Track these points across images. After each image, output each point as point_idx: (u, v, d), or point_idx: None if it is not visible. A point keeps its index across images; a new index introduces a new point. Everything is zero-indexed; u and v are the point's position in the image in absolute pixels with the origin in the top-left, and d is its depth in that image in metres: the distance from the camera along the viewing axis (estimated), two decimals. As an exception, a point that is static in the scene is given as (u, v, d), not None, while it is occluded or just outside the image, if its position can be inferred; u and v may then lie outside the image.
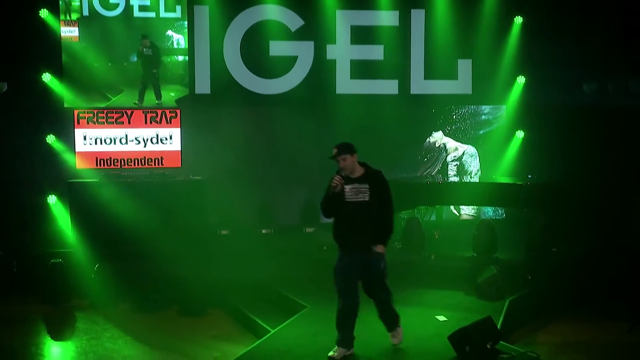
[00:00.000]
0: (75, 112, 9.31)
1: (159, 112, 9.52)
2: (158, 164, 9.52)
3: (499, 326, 5.71)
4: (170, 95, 10.29)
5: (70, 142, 9.42)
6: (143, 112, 9.45)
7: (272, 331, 5.94)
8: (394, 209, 5.28)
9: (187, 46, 10.17)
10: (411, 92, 10.82)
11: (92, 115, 9.30)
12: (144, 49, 9.97)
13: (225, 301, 7.71)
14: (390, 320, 5.45)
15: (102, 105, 9.88)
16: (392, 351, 5.30)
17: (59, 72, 9.71)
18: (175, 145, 9.58)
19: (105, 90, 10.03)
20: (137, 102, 10.03)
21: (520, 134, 10.75)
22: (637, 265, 7.86)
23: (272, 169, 10.89)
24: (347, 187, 5.13)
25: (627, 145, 9.85)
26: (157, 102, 10.06)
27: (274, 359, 5.06)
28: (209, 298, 7.77)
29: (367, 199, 5.13)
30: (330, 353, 5.15)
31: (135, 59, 10.08)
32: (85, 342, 6.63)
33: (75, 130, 9.25)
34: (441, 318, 6.15)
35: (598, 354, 6.11)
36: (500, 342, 5.28)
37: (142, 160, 9.45)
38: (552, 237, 8.47)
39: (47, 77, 9.60)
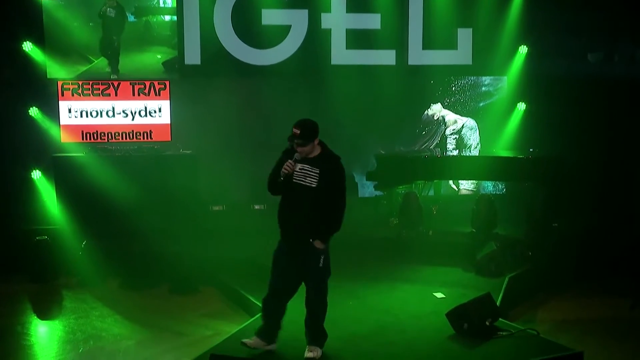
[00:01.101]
0: (59, 83, 9.15)
1: (147, 83, 9.38)
2: (147, 138, 9.42)
3: (498, 303, 5.72)
4: (156, 57, 10.05)
5: (54, 114, 9.27)
6: (130, 84, 9.31)
7: (266, 309, 5.91)
8: (345, 203, 4.90)
9: (174, 5, 9.92)
10: (409, 63, 10.69)
11: (77, 86, 9.15)
12: (108, 9, 9.38)
13: (218, 278, 7.71)
14: (315, 337, 4.85)
15: (84, 68, 9.65)
16: (387, 329, 5.29)
17: (41, 42, 9.52)
18: (164, 118, 9.49)
19: (86, 52, 9.75)
20: (112, 73, 9.61)
21: (521, 106, 10.66)
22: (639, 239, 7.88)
23: (265, 143, 10.80)
24: (297, 166, 4.72)
25: (632, 117, 9.78)
26: (112, 76, 9.59)
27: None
28: (200, 275, 7.76)
29: (313, 185, 4.69)
30: (245, 339, 4.83)
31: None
32: (73, 321, 6.62)
33: (60, 102, 9.11)
34: (439, 295, 6.16)
35: (599, 331, 6.13)
36: (500, 319, 5.29)
37: (130, 134, 9.35)
38: (554, 213, 8.47)
39: (28, 47, 9.40)
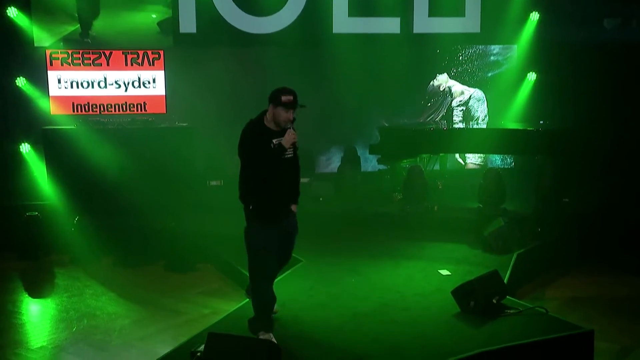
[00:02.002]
0: (47, 52, 9.02)
1: (141, 53, 9.26)
2: (141, 110, 9.34)
3: (505, 281, 5.69)
4: (151, 17, 9.91)
5: (43, 85, 9.16)
6: (123, 53, 9.18)
7: (265, 287, 5.91)
8: None
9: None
10: (414, 31, 10.57)
11: (66, 55, 9.02)
12: None
13: (216, 255, 7.70)
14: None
15: (72, 28, 9.51)
16: (391, 306, 5.28)
17: (27, 7, 9.36)
18: (159, 89, 9.39)
19: (73, 10, 9.62)
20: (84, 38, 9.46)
21: (532, 76, 10.55)
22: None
23: (264, 115, 10.73)
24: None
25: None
26: (83, 40, 9.46)
27: (267, 315, 5.03)
28: (198, 252, 7.75)
29: (291, 154, 4.61)
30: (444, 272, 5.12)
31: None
32: (65, 299, 6.61)
33: (48, 72, 8.99)
34: (444, 272, 6.14)
35: (609, 309, 6.12)
36: (507, 297, 5.26)
37: (124, 106, 9.26)
38: (564, 187, 8.41)
39: (13, 12, 9.24)
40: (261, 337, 4.45)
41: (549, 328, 4.67)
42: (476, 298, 4.99)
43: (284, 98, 4.54)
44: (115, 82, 9.19)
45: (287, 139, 4.51)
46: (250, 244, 4.60)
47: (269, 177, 4.47)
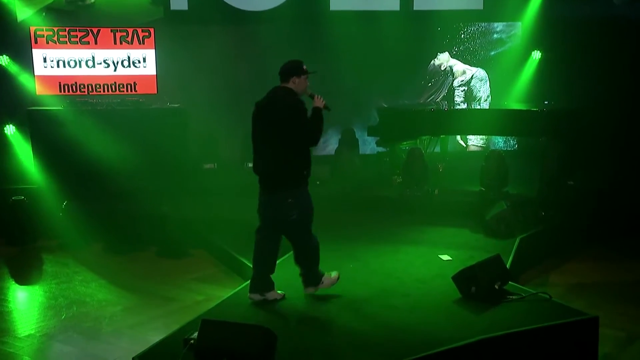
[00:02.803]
0: (32, 29, 8.94)
1: (130, 31, 9.19)
2: (131, 90, 9.29)
3: (508, 266, 5.68)
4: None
5: (28, 64, 9.09)
6: (111, 31, 9.11)
7: (261, 272, 5.91)
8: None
9: None
10: (414, 8, 10.51)
11: (52, 33, 8.94)
12: None
13: (209, 241, 7.69)
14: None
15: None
16: (390, 292, 5.28)
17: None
18: (149, 68, 9.34)
19: None
20: None
21: (536, 55, 10.50)
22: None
23: (259, 96, 10.65)
24: None
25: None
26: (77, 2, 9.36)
27: (262, 301, 5.03)
28: (190, 237, 7.75)
29: None
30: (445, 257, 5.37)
31: None
32: (54, 286, 6.61)
33: (33, 50, 8.91)
34: (445, 257, 6.14)
35: (615, 295, 6.13)
36: (510, 282, 5.26)
37: (113, 86, 9.21)
38: (569, 170, 8.39)
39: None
40: (323, 283, 5.08)
41: (552, 314, 4.66)
42: (478, 284, 4.99)
43: (304, 67, 4.99)
44: (104, 61, 9.12)
45: (321, 103, 5.01)
46: (306, 208, 5.03)
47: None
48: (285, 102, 4.86)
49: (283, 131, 4.82)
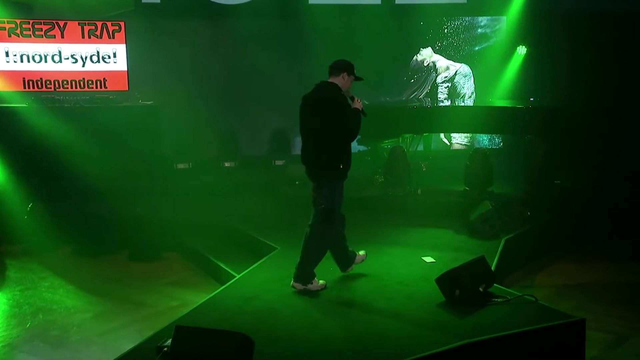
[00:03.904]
0: (-8, 21, 8.83)
1: (99, 24, 9.12)
2: (101, 87, 9.22)
3: (493, 267, 5.71)
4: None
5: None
6: (79, 24, 9.04)
7: (238, 276, 5.91)
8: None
9: None
10: (396, 2, 10.57)
11: (14, 25, 8.82)
12: None
13: (184, 244, 7.67)
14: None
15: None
16: (372, 296, 5.28)
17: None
18: (120, 64, 9.28)
19: None
20: None
21: (522, 50, 10.59)
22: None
23: (236, 92, 10.68)
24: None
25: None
26: None
27: (239, 306, 5.02)
28: (164, 240, 7.72)
29: None
30: (322, 281, 5.40)
31: None
32: (18, 293, 6.51)
33: (-6, 44, 8.81)
34: (428, 259, 6.16)
35: (602, 296, 6.19)
36: (494, 284, 5.29)
37: (81, 82, 9.13)
38: (556, 168, 8.48)
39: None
40: (313, 285, 5.30)
41: (538, 317, 4.70)
42: (462, 286, 5.01)
43: (355, 71, 5.34)
44: (72, 56, 9.04)
45: (360, 105, 5.34)
46: (335, 201, 5.33)
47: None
48: (331, 97, 5.20)
49: (327, 124, 5.15)
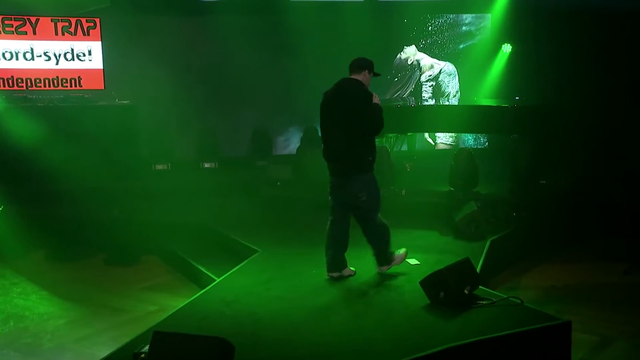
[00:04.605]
0: (-40, 17, 8.74)
1: (73, 21, 9.05)
2: (75, 85, 9.15)
3: (478, 269, 5.75)
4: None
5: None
6: (52, 21, 8.96)
7: (218, 280, 5.90)
8: None
9: None
10: (379, -1, 10.58)
11: (-19, 21, 8.73)
12: None
13: (162, 247, 7.64)
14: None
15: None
16: (355, 299, 5.29)
17: None
18: (95, 62, 9.21)
19: None
20: None
21: (507, 48, 10.66)
22: (638, 197, 8.01)
23: (216, 91, 10.65)
24: None
25: (632, 58, 9.80)
26: None
27: (220, 311, 4.99)
28: (142, 243, 7.69)
29: None
30: (403, 249, 5.84)
31: None
32: (-11, 299, 6.45)
33: (-37, 40, 8.72)
34: (413, 261, 6.17)
35: (589, 298, 6.26)
36: (480, 287, 5.31)
37: (55, 81, 9.06)
38: (541, 168, 8.55)
39: None
40: (398, 258, 5.77)
41: (523, 320, 4.72)
42: (446, 289, 5.02)
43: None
44: (45, 53, 8.96)
45: (378, 101, 5.56)
46: (374, 190, 5.62)
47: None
48: (358, 92, 5.46)
49: (355, 119, 5.38)
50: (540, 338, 4.58)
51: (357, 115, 5.37)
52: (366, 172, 5.58)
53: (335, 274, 5.68)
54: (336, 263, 5.70)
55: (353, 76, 5.51)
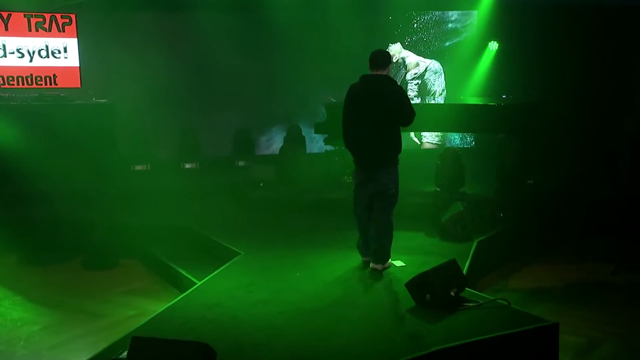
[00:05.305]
0: None
1: (47, 17, 8.97)
2: (50, 84, 9.07)
3: (464, 271, 5.79)
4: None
5: None
6: (25, 16, 8.87)
7: (199, 283, 5.88)
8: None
9: None
10: (363, -5, 10.57)
11: (-50, 16, 8.63)
12: None
13: (142, 249, 7.62)
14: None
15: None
16: (339, 302, 5.30)
17: None
18: (71, 59, 9.14)
19: None
20: None
21: (493, 46, 10.72)
22: (625, 197, 8.09)
23: (197, 90, 10.61)
24: None
25: (619, 55, 9.88)
26: None
27: (201, 315, 4.98)
28: (121, 246, 7.66)
29: None
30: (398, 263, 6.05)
31: None
32: (-41, 305, 6.39)
33: None
34: (398, 263, 6.19)
35: (576, 299, 6.32)
36: (466, 288, 5.34)
37: (29, 79, 8.98)
38: (528, 168, 8.60)
39: None
40: (388, 263, 5.97)
41: (510, 322, 4.76)
42: (432, 291, 5.05)
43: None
44: (17, 50, 8.87)
45: None
46: (395, 184, 5.89)
47: None
48: (395, 88, 5.76)
49: (393, 113, 5.66)
50: (528, 340, 4.62)
51: (397, 109, 5.65)
52: (395, 165, 5.87)
53: (379, 266, 5.95)
54: (379, 258, 5.99)
55: (379, 72, 5.67)
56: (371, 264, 5.95)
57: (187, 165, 10.38)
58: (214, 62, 10.47)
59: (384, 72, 5.72)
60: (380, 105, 5.63)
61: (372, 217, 5.94)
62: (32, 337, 5.60)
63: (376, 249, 5.92)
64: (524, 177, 8.57)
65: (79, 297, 6.52)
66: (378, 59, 5.70)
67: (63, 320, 5.95)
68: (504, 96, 9.49)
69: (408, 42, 10.96)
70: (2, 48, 8.83)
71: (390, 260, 6.07)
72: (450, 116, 8.63)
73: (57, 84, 9.09)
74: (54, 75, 9.08)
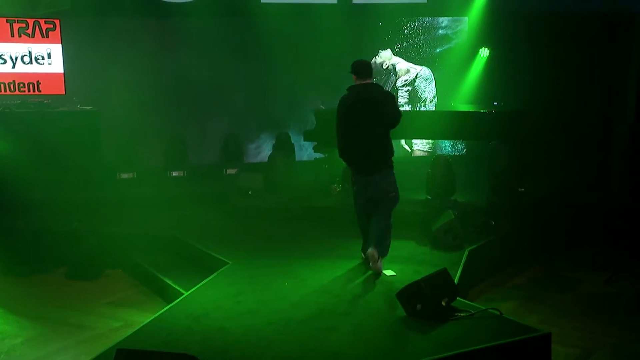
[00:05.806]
0: None
1: (31, 22, 8.95)
2: (34, 90, 9.04)
3: (456, 280, 5.79)
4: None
5: None
6: (7, 21, 8.83)
7: (186, 293, 5.86)
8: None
9: None
10: (353, 1, 10.63)
11: None
12: None
13: (127, 259, 7.58)
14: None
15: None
16: (328, 312, 5.29)
17: None
18: (55, 66, 9.12)
19: None
20: None
21: (484, 52, 10.76)
22: (617, 205, 8.13)
23: (184, 96, 10.60)
24: None
25: (610, 62, 9.96)
26: None
27: (188, 326, 4.96)
28: (106, 256, 7.63)
29: None
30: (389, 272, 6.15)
31: None
32: (-62, 318, 6.33)
33: None
34: (389, 273, 6.19)
35: (569, 309, 6.33)
36: (458, 298, 5.35)
37: (12, 85, 8.95)
38: (520, 176, 8.62)
39: None
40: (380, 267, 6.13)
41: (503, 332, 4.77)
42: (423, 300, 5.05)
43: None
44: (0, 56, 8.82)
45: None
46: (394, 187, 6.23)
47: None
48: (387, 92, 6.34)
49: (390, 119, 6.06)
50: (520, 350, 4.62)
51: (392, 115, 6.05)
52: (392, 168, 6.21)
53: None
54: (383, 250, 6.21)
55: (367, 80, 6.08)
56: (370, 248, 6.07)
57: (174, 173, 10.35)
58: (202, 69, 10.47)
59: (371, 80, 6.14)
60: (379, 110, 5.99)
61: (372, 220, 6.19)
62: (14, 350, 5.55)
63: (377, 245, 6.11)
64: (515, 185, 8.59)
65: (63, 308, 6.48)
66: (366, 68, 6.12)
67: (45, 333, 5.90)
68: (495, 103, 9.53)
69: (398, 48, 11.01)
70: (-17, 54, 8.82)
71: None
72: (441, 123, 8.65)
73: (40, 91, 9.06)
74: (38, 81, 9.05)
